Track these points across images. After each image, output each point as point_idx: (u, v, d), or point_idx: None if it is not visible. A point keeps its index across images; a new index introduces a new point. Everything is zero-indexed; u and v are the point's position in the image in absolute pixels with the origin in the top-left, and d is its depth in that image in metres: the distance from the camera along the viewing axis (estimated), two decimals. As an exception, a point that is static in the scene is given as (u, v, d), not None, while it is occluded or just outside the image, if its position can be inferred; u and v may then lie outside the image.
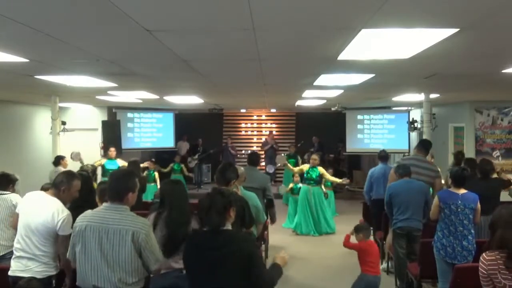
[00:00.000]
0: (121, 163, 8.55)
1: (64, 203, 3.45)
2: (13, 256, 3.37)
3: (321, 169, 8.33)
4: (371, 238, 6.99)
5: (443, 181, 7.87)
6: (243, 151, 14.47)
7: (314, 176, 8.26)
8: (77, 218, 2.83)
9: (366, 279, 4.38)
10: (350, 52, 3.70)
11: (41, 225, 3.30)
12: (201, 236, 2.65)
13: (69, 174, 3.57)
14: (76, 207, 3.44)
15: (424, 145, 5.91)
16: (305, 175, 8.36)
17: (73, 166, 6.98)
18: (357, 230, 4.50)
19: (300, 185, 8.74)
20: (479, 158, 8.53)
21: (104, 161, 8.69)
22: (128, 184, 2.80)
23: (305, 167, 8.50)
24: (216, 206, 2.56)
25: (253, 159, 5.74)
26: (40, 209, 3.33)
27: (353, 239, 4.59)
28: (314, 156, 8.46)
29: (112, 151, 8.79)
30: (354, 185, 12.98)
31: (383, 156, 7.06)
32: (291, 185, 9.15)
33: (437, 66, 4.65)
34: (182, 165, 11.87)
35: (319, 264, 6.47)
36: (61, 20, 2.71)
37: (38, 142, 9.81)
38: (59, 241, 3.36)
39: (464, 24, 2.81)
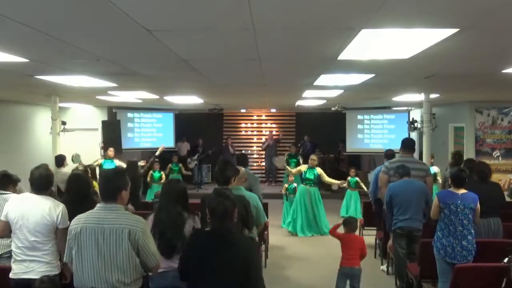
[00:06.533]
0: (118, 163, 8.54)
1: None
2: (13, 260, 3.35)
3: (319, 170, 8.32)
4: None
5: (439, 181, 7.87)
6: (243, 151, 14.47)
7: (311, 177, 8.26)
8: (72, 221, 2.82)
9: (342, 271, 4.75)
10: (350, 52, 3.70)
11: (40, 223, 3.30)
12: (204, 238, 2.68)
13: (44, 169, 3.55)
14: (73, 208, 3.40)
15: (409, 145, 5.85)
16: (303, 175, 8.37)
17: (72, 167, 6.98)
18: (344, 223, 4.92)
19: (294, 185, 8.78)
20: (479, 158, 8.58)
21: (102, 161, 8.70)
22: (119, 183, 2.80)
23: (303, 167, 8.48)
24: (220, 208, 2.59)
25: (241, 160, 5.96)
26: (35, 208, 3.33)
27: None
28: (313, 157, 8.44)
29: (110, 151, 8.79)
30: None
31: (390, 154, 6.87)
32: (285, 185, 9.15)
33: (437, 66, 4.64)
34: (180, 165, 11.85)
35: (319, 264, 6.47)
36: (61, 20, 2.71)
37: (38, 142, 9.79)
38: (58, 236, 3.37)
39: (464, 24, 2.81)
